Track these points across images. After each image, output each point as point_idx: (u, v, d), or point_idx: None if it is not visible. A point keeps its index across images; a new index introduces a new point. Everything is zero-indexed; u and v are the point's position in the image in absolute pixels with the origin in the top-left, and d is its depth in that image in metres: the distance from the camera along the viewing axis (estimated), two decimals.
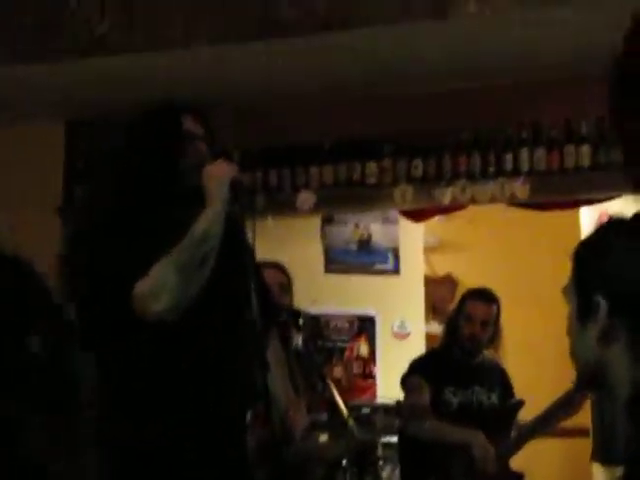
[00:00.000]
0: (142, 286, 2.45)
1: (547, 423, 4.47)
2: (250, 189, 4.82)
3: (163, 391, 2.53)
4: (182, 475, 2.53)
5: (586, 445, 6.01)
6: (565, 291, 1.39)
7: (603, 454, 5.75)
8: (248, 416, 2.79)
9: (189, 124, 2.69)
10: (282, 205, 5.31)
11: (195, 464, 2.54)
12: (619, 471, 1.19)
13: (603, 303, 1.29)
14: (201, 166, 2.59)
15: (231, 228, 2.61)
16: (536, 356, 6.64)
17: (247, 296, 2.51)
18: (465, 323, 4.51)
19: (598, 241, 1.37)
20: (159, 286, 2.45)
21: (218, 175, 2.54)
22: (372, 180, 5.19)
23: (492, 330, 4.54)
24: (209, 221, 2.51)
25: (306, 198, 5.25)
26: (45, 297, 2.81)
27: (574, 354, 1.37)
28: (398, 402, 4.56)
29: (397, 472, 4.85)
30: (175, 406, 2.53)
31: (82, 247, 2.63)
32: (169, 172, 2.62)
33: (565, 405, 4.39)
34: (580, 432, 6.13)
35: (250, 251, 2.63)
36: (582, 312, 1.34)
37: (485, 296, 4.57)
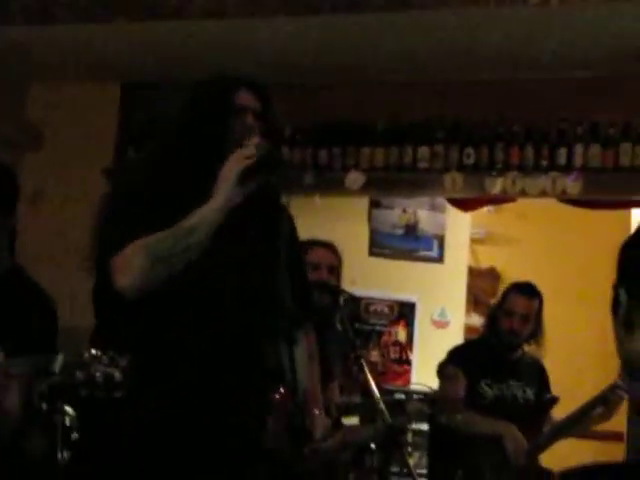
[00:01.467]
0: (114, 259, 2.45)
1: (581, 422, 4.43)
2: (282, 161, 4.83)
3: (181, 364, 2.51)
4: (201, 449, 2.52)
5: (619, 450, 5.94)
6: (615, 287, 1.41)
7: (637, 459, 5.68)
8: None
9: (242, 98, 2.66)
10: (331, 184, 5.29)
11: (213, 441, 2.53)
12: None
13: (623, 294, 1.34)
14: (246, 140, 2.57)
15: (267, 200, 2.59)
16: (578, 355, 6.57)
17: (278, 271, 2.50)
18: (505, 316, 4.48)
19: (631, 240, 1.39)
20: (125, 264, 2.45)
21: (229, 166, 2.51)
22: (423, 165, 5.15)
23: (533, 325, 4.50)
24: (202, 217, 2.48)
25: (355, 178, 5.22)
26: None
27: (617, 348, 1.40)
28: (432, 390, 4.54)
29: (425, 460, 4.83)
30: (195, 382, 2.52)
31: (102, 211, 2.62)
32: (210, 145, 2.60)
33: (600, 404, 4.35)
34: (614, 436, 6.07)
35: (286, 226, 2.61)
36: (613, 306, 1.38)
37: (528, 290, 4.52)
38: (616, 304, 1.37)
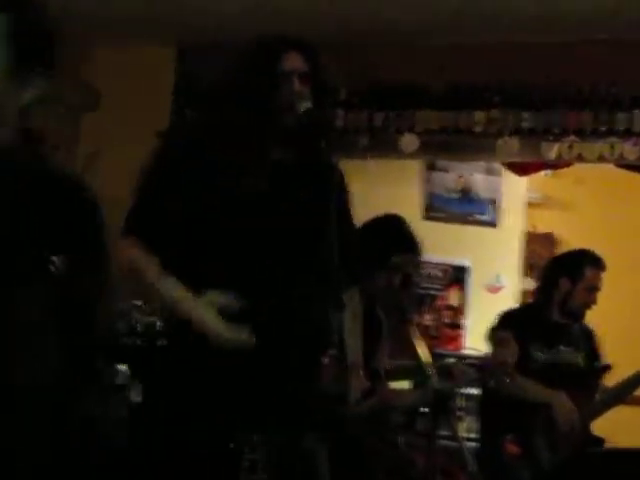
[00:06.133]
0: (122, 241, 2.51)
1: (632, 390, 4.40)
2: (331, 124, 4.81)
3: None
4: (253, 410, 2.56)
5: None
6: None
7: None
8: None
9: (290, 61, 2.63)
10: (385, 146, 5.28)
11: (265, 403, 2.56)
12: None
13: None
14: (293, 105, 2.56)
15: (318, 164, 2.59)
16: (631, 322, 6.51)
17: (329, 236, 2.50)
18: (585, 292, 4.43)
19: None
20: (122, 259, 2.50)
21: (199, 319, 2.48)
22: (479, 129, 5.12)
23: None
24: (187, 309, 2.49)
25: (410, 141, 5.20)
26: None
27: None
28: (484, 355, 4.54)
29: (477, 425, 4.84)
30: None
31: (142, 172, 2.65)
32: (258, 111, 2.60)
33: None
34: None
35: (336, 188, 2.61)
36: None
37: (602, 264, 4.48)
38: None
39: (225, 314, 2.43)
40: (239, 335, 2.42)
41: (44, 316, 1.03)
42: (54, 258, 1.06)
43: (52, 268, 1.04)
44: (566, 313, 4.48)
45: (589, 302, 4.46)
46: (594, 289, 4.46)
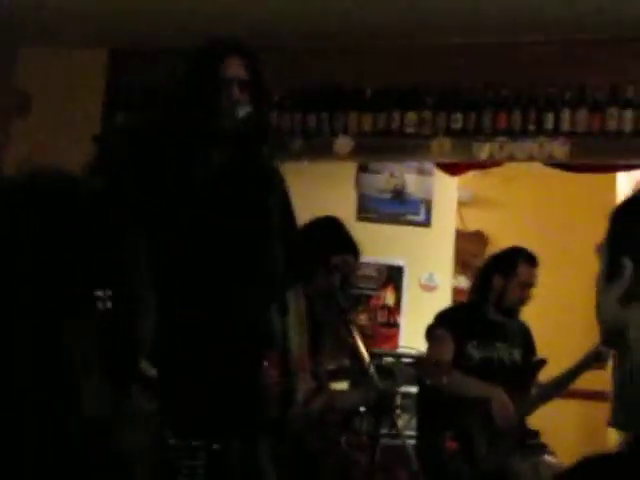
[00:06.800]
0: None
1: (568, 384, 4.50)
2: (279, 130, 4.82)
3: (174, 330, 2.54)
4: (194, 414, 2.56)
5: (604, 409, 6.01)
6: (598, 250, 1.41)
7: (621, 419, 5.74)
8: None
9: (231, 68, 2.67)
10: (319, 149, 5.31)
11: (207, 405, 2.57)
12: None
13: (629, 265, 1.31)
14: (233, 111, 2.59)
15: (260, 168, 2.61)
16: (564, 317, 6.64)
17: (270, 240, 2.52)
18: (518, 288, 4.50)
19: (634, 204, 1.39)
20: None
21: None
22: (411, 130, 5.17)
23: None
24: None
25: (344, 143, 5.24)
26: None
27: (598, 312, 1.41)
28: (420, 353, 4.59)
29: (414, 422, 4.89)
30: (187, 349, 2.54)
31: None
32: (198, 119, 2.61)
33: (586, 367, 4.43)
34: (598, 396, 6.14)
35: (279, 191, 2.64)
36: (609, 272, 1.36)
37: (534, 260, 4.56)
38: (614, 271, 1.34)
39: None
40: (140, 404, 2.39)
41: (92, 350, 1.02)
42: (100, 293, 1.05)
43: (99, 303, 1.03)
44: (501, 310, 4.55)
45: (523, 298, 4.54)
46: (527, 285, 4.53)
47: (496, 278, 4.55)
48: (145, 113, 2.95)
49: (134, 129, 2.90)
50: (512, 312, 4.57)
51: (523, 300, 4.54)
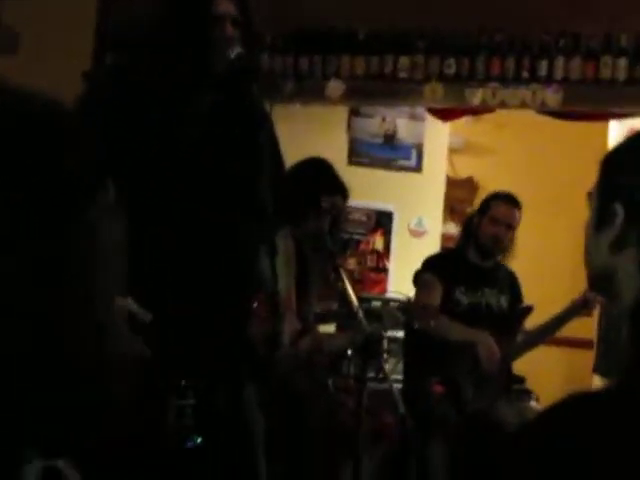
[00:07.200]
0: None
1: (554, 331, 4.53)
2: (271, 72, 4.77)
3: (161, 269, 2.54)
4: (181, 355, 2.57)
5: (589, 357, 6.08)
6: (589, 196, 1.40)
7: (605, 366, 5.82)
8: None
9: (223, 5, 2.62)
10: (311, 92, 5.27)
11: (195, 342, 2.57)
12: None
13: (621, 211, 1.31)
14: (225, 50, 2.55)
15: (249, 108, 2.59)
16: (553, 265, 6.67)
17: (260, 181, 2.51)
18: (489, 224, 4.50)
19: (626, 151, 1.38)
20: None
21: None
22: (403, 75, 5.14)
23: (512, 236, 4.56)
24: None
25: (335, 87, 5.20)
26: None
27: (587, 258, 1.40)
28: (408, 298, 4.61)
29: (400, 366, 4.92)
30: (176, 287, 2.54)
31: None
32: (189, 56, 2.57)
33: (573, 314, 4.46)
34: (584, 343, 6.20)
35: (267, 132, 2.62)
36: (600, 218, 1.36)
37: (511, 200, 4.56)
38: (604, 218, 1.34)
39: (134, 321, 2.39)
40: (133, 348, 2.38)
41: None
42: None
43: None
44: (480, 251, 4.55)
45: (496, 236, 4.50)
46: (499, 222, 4.50)
47: (474, 218, 4.59)
48: (134, 52, 2.88)
49: (121, 68, 2.84)
50: (489, 252, 4.55)
51: (497, 238, 4.50)
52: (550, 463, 1.10)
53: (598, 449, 1.08)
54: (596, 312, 4.95)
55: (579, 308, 4.44)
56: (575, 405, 1.16)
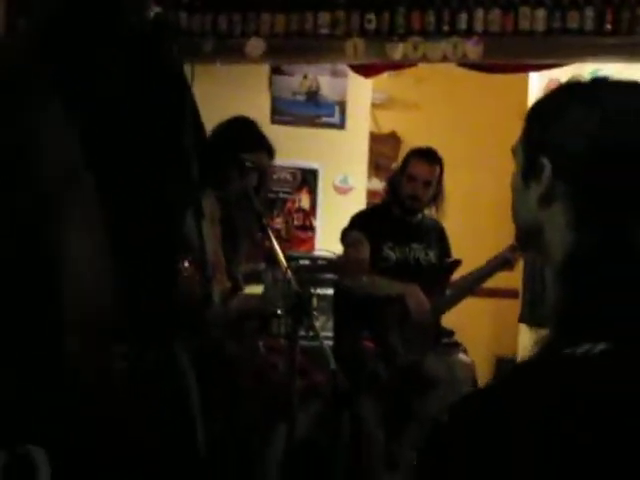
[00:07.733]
0: None
1: (482, 281, 4.59)
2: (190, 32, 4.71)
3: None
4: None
5: (514, 306, 6.17)
6: (514, 150, 1.39)
7: (530, 316, 5.91)
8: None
9: None
10: (231, 51, 5.21)
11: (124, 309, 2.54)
12: (544, 332, 1.23)
13: (548, 165, 1.29)
14: (141, 9, 2.50)
15: (168, 69, 2.55)
16: (478, 218, 6.74)
17: (180, 140, 2.47)
18: (407, 182, 4.54)
19: (550, 103, 1.36)
20: None
21: None
22: (324, 31, 5.10)
23: (434, 190, 4.58)
24: None
25: (255, 45, 5.15)
26: None
27: (515, 214, 1.39)
28: (336, 256, 4.61)
29: (330, 323, 4.94)
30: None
31: None
32: (99, 17, 2.51)
33: (499, 266, 4.51)
34: (509, 293, 6.29)
35: (189, 91, 2.58)
36: (527, 172, 1.34)
37: (429, 156, 4.58)
38: (531, 172, 1.32)
39: None
40: None
41: None
42: None
43: None
44: (402, 208, 4.58)
45: (415, 194, 4.54)
46: (417, 179, 4.54)
47: (396, 176, 4.63)
48: (46, 15, 2.79)
49: (34, 33, 2.76)
50: (410, 209, 4.59)
51: (415, 196, 4.54)
52: (486, 434, 1.10)
53: (529, 412, 1.09)
54: (521, 262, 5.01)
55: (499, 267, 4.50)
56: (511, 376, 1.16)
